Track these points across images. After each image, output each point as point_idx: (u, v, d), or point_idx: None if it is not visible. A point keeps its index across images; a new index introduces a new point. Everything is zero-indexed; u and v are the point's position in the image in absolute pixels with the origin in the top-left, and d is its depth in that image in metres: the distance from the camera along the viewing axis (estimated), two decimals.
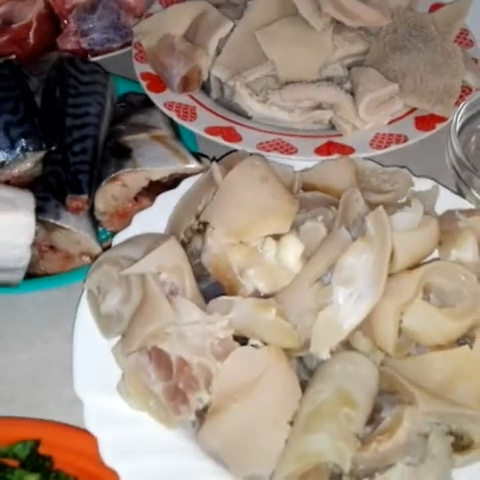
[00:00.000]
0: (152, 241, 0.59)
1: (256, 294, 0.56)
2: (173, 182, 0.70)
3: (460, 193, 0.70)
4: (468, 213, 0.61)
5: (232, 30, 0.80)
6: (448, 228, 0.60)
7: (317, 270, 0.54)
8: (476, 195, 0.67)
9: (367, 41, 0.81)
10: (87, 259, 0.67)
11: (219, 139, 0.73)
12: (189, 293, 0.54)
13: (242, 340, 0.52)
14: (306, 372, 0.55)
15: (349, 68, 0.81)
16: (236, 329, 0.52)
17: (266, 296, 0.56)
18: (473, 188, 0.67)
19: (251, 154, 0.69)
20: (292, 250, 0.56)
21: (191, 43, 0.80)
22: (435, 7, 0.89)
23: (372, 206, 0.60)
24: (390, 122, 0.76)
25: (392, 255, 0.54)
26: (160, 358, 0.50)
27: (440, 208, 0.66)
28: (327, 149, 0.73)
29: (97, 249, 0.67)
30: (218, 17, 0.80)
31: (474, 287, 0.52)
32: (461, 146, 0.70)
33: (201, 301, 0.55)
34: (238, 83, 0.76)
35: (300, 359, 0.55)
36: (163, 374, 0.50)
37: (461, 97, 0.77)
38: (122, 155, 0.70)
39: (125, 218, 0.69)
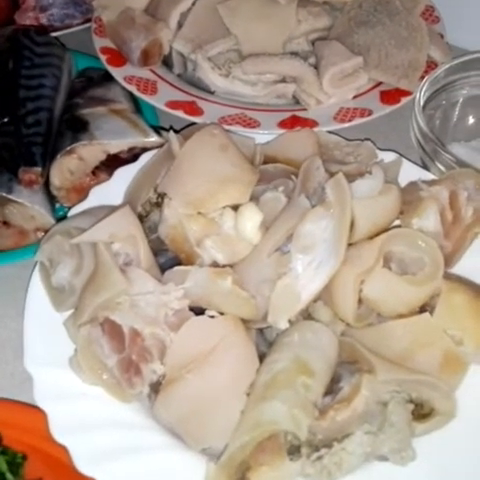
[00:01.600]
0: (108, 212, 0.57)
1: (214, 265, 0.54)
2: (133, 157, 0.68)
3: (425, 167, 0.69)
4: (431, 183, 0.60)
5: (194, 4, 0.78)
6: (410, 198, 0.59)
7: (276, 239, 0.53)
8: (441, 168, 0.66)
9: (332, 16, 0.80)
10: (42, 235, 0.65)
11: (180, 113, 0.72)
12: (144, 263, 0.52)
13: (199, 311, 0.51)
14: (266, 344, 0.54)
15: (314, 43, 0.80)
16: (192, 299, 0.50)
17: (225, 267, 0.55)
18: (437, 161, 0.66)
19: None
20: (250, 220, 0.54)
21: (152, 17, 0.79)
22: None
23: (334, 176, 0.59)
24: (355, 96, 0.75)
25: (352, 223, 0.52)
26: (112, 329, 0.48)
27: (404, 180, 0.65)
28: (291, 123, 0.71)
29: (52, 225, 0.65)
30: None
31: (435, 254, 0.51)
32: (425, 120, 0.69)
33: (157, 272, 0.53)
34: (200, 57, 0.74)
35: (260, 331, 0.54)
36: (116, 346, 0.48)
37: (426, 72, 0.76)
38: (79, 128, 0.67)
39: (82, 193, 0.66)
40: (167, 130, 0.71)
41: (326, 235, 0.51)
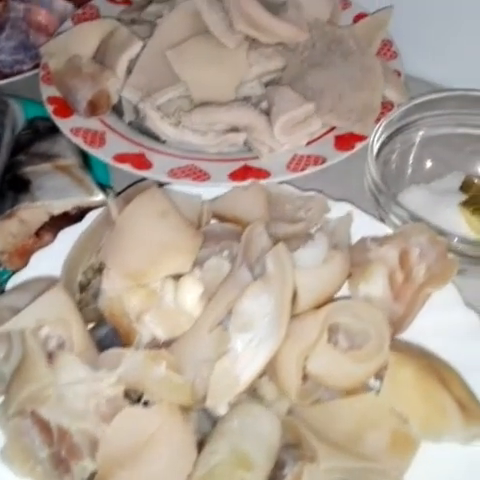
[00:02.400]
0: (44, 286, 0.54)
1: (154, 342, 0.52)
2: (81, 214, 0.66)
3: (381, 217, 0.67)
4: (381, 241, 0.58)
5: (143, 49, 0.76)
6: (359, 259, 0.57)
7: (216, 314, 0.50)
8: (394, 221, 0.64)
9: (285, 56, 0.78)
10: None
11: (128, 167, 0.69)
12: (77, 347, 0.49)
13: (135, 396, 0.49)
14: (210, 422, 0.51)
15: (269, 85, 0.78)
16: (127, 384, 0.48)
17: (166, 343, 0.52)
18: (391, 213, 0.64)
19: (161, 185, 0.65)
20: (190, 292, 0.52)
21: (101, 64, 0.76)
22: (360, 17, 0.87)
23: (282, 239, 0.57)
24: (309, 142, 0.73)
25: (295, 295, 0.50)
26: (41, 423, 0.46)
27: (359, 234, 0.63)
28: (242, 174, 0.69)
29: None
30: (127, 36, 0.76)
31: (380, 327, 0.49)
32: (379, 168, 0.67)
33: (93, 353, 0.51)
34: (148, 106, 0.72)
35: (203, 409, 0.52)
36: (46, 440, 0.46)
37: (383, 113, 0.75)
38: (20, 188, 0.65)
39: (26, 256, 0.63)
40: (110, 187, 0.69)
41: (266, 311, 0.49)
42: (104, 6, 0.88)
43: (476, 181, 0.71)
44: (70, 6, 0.89)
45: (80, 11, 0.87)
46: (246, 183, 0.66)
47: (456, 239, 0.60)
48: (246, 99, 0.76)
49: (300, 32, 0.76)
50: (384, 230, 0.63)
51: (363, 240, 0.60)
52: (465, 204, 0.69)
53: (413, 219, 0.62)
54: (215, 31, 0.73)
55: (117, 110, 0.77)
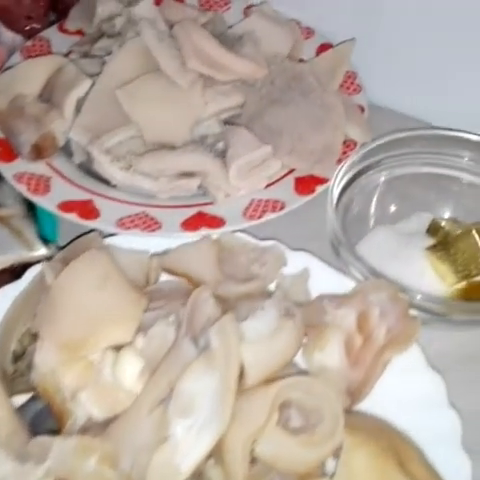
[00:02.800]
0: None
1: (90, 423, 0.48)
2: (22, 268, 0.62)
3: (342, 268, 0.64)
4: (338, 302, 0.54)
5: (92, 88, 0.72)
6: (315, 320, 0.53)
7: (156, 393, 0.46)
8: (355, 274, 0.60)
9: (244, 92, 0.74)
10: None
11: (74, 217, 0.65)
12: (4, 430, 0.45)
13: None
14: None
15: (228, 122, 0.75)
16: (57, 478, 0.44)
17: (103, 424, 0.48)
18: (351, 266, 0.61)
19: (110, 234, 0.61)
20: (130, 367, 0.48)
21: (48, 103, 0.72)
22: (324, 47, 0.83)
23: (233, 299, 0.53)
24: (269, 184, 0.69)
25: (242, 371, 0.47)
26: None
27: (319, 287, 0.59)
28: (195, 222, 0.65)
29: None
30: (76, 74, 0.71)
31: (333, 407, 0.45)
32: (339, 215, 0.63)
33: (22, 436, 0.46)
34: (96, 150, 0.67)
35: None
36: None
37: (345, 153, 0.71)
38: None
39: None
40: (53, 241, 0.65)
41: (209, 392, 0.45)
42: (55, 38, 0.83)
43: (443, 224, 0.68)
44: (19, 38, 0.84)
45: (29, 43, 0.82)
46: (198, 235, 0.63)
47: (419, 296, 0.57)
48: (203, 138, 0.72)
49: (258, 68, 0.72)
50: (345, 283, 0.60)
51: (320, 299, 0.56)
52: (431, 250, 0.66)
53: (373, 274, 0.58)
54: (166, 70, 0.69)
55: (66, 150, 0.73)
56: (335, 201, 0.65)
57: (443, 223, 0.68)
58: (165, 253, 0.60)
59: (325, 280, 0.60)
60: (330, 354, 0.49)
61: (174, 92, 0.70)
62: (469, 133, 0.69)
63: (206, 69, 0.70)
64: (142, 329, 0.52)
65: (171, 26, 0.73)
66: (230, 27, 0.82)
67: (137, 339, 0.51)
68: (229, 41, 0.75)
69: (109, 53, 0.72)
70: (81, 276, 0.52)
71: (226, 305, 0.52)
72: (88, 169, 0.71)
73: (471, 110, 0.76)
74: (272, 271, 0.59)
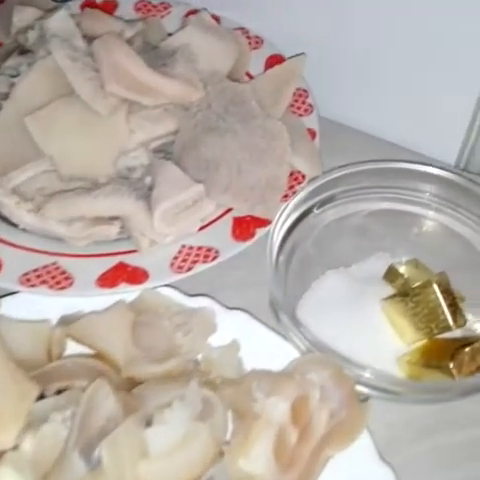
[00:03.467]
0: None
1: None
2: None
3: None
4: (270, 387, 0.45)
5: None
6: (244, 406, 0.45)
7: None
8: (297, 342, 0.51)
9: (177, 117, 0.64)
10: None
11: None
12: None
13: None
14: None
15: (160, 151, 0.65)
16: None
17: None
18: (291, 333, 0.52)
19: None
20: None
21: None
22: (274, 59, 0.74)
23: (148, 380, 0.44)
24: (203, 227, 0.60)
25: None
26: None
27: (256, 356, 0.51)
28: (114, 276, 0.55)
29: None
30: None
31: None
32: (280, 274, 0.55)
33: None
34: (1, 191, 0.58)
35: None
36: None
37: (292, 187, 0.62)
38: None
39: None
40: None
41: None
42: None
43: (402, 270, 0.60)
44: None
45: None
46: (116, 292, 0.54)
47: (368, 374, 0.49)
48: (130, 171, 0.63)
49: (191, 90, 0.62)
50: (286, 352, 0.51)
51: (252, 378, 0.47)
52: (389, 301, 0.57)
53: (315, 344, 0.50)
54: (82, 94, 0.59)
55: None
56: (276, 250, 0.56)
57: (402, 269, 0.60)
58: (71, 320, 0.51)
59: (263, 347, 0.51)
60: (256, 461, 0.41)
61: (93, 119, 0.60)
62: (432, 166, 0.61)
63: (129, 93, 0.60)
64: (32, 425, 0.43)
65: (91, 40, 0.63)
66: (170, 35, 0.73)
67: (24, 441, 0.42)
68: (159, 56, 0.65)
69: (19, 73, 0.63)
70: None
71: (138, 390, 0.44)
72: None
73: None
74: (198, 341, 0.50)
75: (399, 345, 0.56)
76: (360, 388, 0.49)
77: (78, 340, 0.50)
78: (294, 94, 0.69)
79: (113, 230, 0.57)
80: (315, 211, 0.62)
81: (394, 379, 0.50)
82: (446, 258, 0.62)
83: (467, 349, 0.52)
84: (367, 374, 0.48)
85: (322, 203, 0.62)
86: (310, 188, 0.61)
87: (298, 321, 0.51)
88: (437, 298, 0.54)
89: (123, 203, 0.56)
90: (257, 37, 0.75)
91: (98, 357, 0.49)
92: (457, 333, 0.55)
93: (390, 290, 0.59)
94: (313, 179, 0.62)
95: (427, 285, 0.55)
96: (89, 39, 0.64)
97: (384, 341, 0.56)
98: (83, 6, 0.77)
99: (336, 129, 0.73)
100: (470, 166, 0.72)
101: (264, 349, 0.51)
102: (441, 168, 0.61)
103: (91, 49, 0.61)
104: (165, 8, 0.78)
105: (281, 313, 0.51)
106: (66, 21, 0.62)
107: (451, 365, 0.51)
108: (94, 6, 0.77)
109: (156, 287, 0.55)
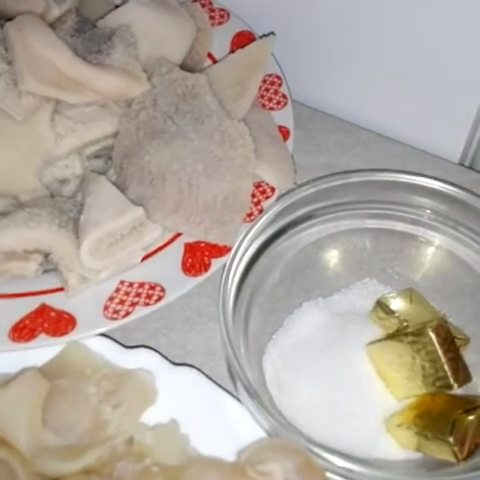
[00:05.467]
0: None
1: None
2: None
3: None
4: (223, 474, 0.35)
5: None
6: None
7: None
8: (258, 417, 0.41)
9: (115, 116, 0.52)
10: None
11: None
12: None
13: None
14: None
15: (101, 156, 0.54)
16: None
17: None
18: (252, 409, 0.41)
19: None
20: None
21: None
22: (242, 37, 0.61)
23: None
24: (146, 256, 0.49)
25: None
26: None
27: (210, 423, 0.40)
28: (31, 326, 0.44)
29: None
30: None
31: None
32: (240, 324, 0.44)
33: None
34: None
35: None
36: None
37: (258, 203, 0.51)
38: None
39: None
40: None
41: None
42: None
43: (393, 306, 0.49)
44: None
45: None
46: (35, 345, 0.43)
47: (344, 461, 0.38)
48: (62, 184, 0.52)
49: (132, 84, 0.50)
50: (245, 423, 0.41)
51: (195, 471, 0.37)
52: (376, 346, 0.47)
53: (283, 426, 0.39)
54: None
55: None
56: (235, 288, 0.45)
57: (393, 303, 0.49)
58: None
59: (218, 418, 0.41)
60: None
61: (7, 123, 0.48)
62: (426, 177, 0.49)
63: (52, 90, 0.48)
64: None
65: (4, 21, 0.50)
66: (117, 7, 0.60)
67: None
68: (96, 41, 0.53)
69: None
70: None
71: None
72: None
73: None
74: (130, 417, 0.39)
75: (388, 401, 0.46)
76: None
77: None
78: (264, 82, 0.57)
79: (31, 267, 0.45)
80: (288, 232, 0.50)
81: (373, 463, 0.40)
82: (445, 285, 0.51)
83: (471, 417, 0.42)
84: (342, 462, 0.37)
85: (295, 223, 0.50)
86: (280, 205, 0.49)
87: (257, 393, 0.40)
88: (435, 351, 0.44)
89: (40, 233, 0.44)
90: (222, 10, 0.63)
91: (2, 443, 0.38)
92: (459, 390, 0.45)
93: (378, 329, 0.49)
94: (284, 193, 0.50)
95: (423, 332, 0.44)
96: (2, 20, 0.51)
97: (369, 396, 0.46)
98: None
99: (312, 117, 0.62)
100: (476, 164, 0.60)
101: (219, 421, 0.41)
102: (437, 179, 0.49)
103: (2, 35, 0.49)
104: None
105: (237, 381, 0.41)
106: None
107: (451, 440, 0.41)
108: None
109: (84, 338, 0.44)
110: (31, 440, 0.37)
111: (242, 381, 0.40)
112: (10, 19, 0.50)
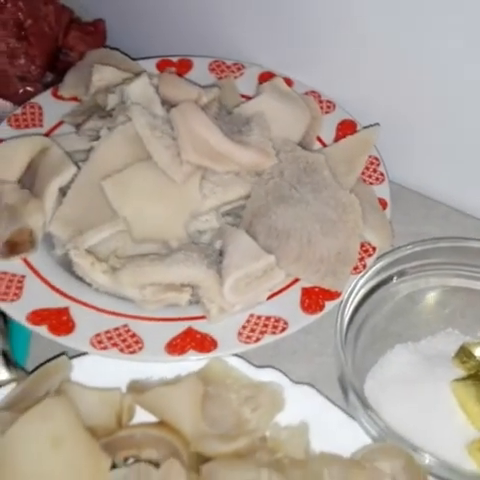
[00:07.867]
0: None
1: None
2: None
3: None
4: (343, 474, 0.44)
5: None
6: None
7: None
8: (365, 424, 0.50)
9: (248, 183, 0.64)
10: None
11: (43, 330, 0.56)
12: None
13: None
14: None
15: (230, 214, 0.66)
16: None
17: None
18: (359, 413, 0.51)
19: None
20: None
21: (27, 191, 0.64)
22: (345, 125, 0.74)
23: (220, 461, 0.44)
24: (271, 295, 0.60)
25: None
26: None
27: (323, 435, 0.50)
28: (183, 343, 0.55)
29: None
30: (60, 158, 0.63)
31: None
32: (350, 348, 0.54)
33: None
34: (74, 252, 0.59)
35: None
36: None
37: (362, 259, 0.62)
38: None
39: None
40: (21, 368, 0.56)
41: None
42: (48, 104, 0.75)
43: (475, 351, 0.58)
44: (9, 105, 0.77)
45: (19, 111, 0.74)
46: (184, 359, 0.54)
47: (439, 465, 0.47)
48: (200, 234, 0.64)
49: (264, 157, 0.63)
50: (353, 432, 0.50)
51: (320, 462, 0.47)
52: (460, 383, 0.56)
53: (385, 430, 0.49)
54: (159, 163, 0.60)
55: (47, 240, 0.65)
56: (346, 324, 0.56)
57: (476, 350, 0.58)
58: (141, 388, 0.51)
59: (330, 427, 0.50)
60: None
61: (167, 184, 0.61)
62: None
63: (205, 160, 0.61)
64: None
65: (169, 106, 0.65)
66: (243, 96, 0.74)
67: None
68: (237, 124, 0.66)
69: (98, 136, 0.64)
70: (32, 434, 0.43)
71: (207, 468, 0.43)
72: (69, 262, 0.63)
73: None
74: (266, 417, 0.49)
75: (470, 432, 0.55)
76: None
77: (148, 410, 0.50)
78: (365, 162, 0.69)
79: (184, 297, 0.57)
80: (385, 285, 0.61)
81: (468, 473, 0.48)
82: None
83: None
84: (438, 465, 0.46)
85: (392, 277, 0.61)
86: (384, 262, 0.60)
87: (366, 402, 0.50)
88: None
89: (195, 271, 0.56)
90: (329, 101, 0.76)
91: (166, 426, 0.49)
92: None
93: (460, 371, 0.58)
94: (385, 253, 0.61)
95: None
96: (166, 104, 0.65)
97: (454, 426, 0.55)
98: (159, 65, 0.79)
99: (407, 196, 0.73)
100: None
101: (331, 429, 0.51)
102: None
103: (169, 116, 0.62)
104: (238, 69, 0.79)
105: (350, 392, 0.51)
106: (146, 88, 0.64)
107: None
108: (170, 65, 0.79)
109: (223, 356, 0.55)
110: (193, 427, 0.47)
111: (355, 392, 0.50)
112: (173, 105, 0.64)
